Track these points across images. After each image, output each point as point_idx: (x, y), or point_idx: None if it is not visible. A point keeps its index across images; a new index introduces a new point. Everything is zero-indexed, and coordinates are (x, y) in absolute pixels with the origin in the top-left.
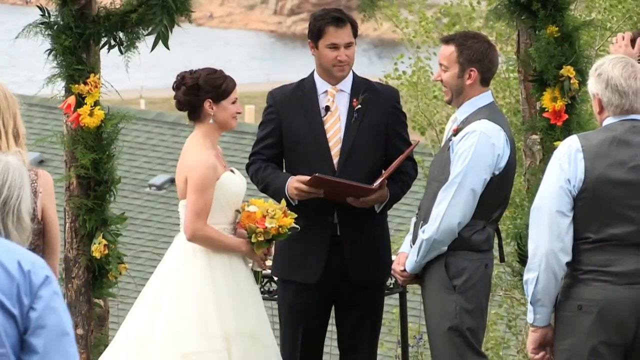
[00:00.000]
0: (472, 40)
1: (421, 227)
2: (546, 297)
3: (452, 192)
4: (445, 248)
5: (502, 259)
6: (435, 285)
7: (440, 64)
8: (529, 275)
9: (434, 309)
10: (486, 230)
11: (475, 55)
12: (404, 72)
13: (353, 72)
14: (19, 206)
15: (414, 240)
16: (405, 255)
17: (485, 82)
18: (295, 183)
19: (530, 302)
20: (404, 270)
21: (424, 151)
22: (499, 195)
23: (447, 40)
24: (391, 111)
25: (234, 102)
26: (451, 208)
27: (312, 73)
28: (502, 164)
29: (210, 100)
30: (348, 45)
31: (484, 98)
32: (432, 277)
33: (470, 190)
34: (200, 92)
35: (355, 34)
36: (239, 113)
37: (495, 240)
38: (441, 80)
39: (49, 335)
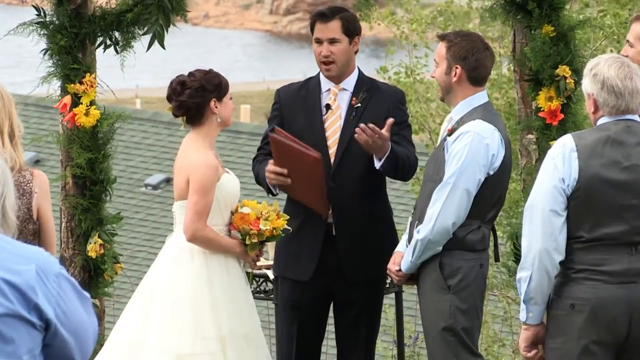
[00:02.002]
0: (462, 38)
1: (416, 227)
2: (539, 296)
3: (447, 192)
4: (440, 248)
5: (497, 259)
6: (430, 285)
7: (435, 60)
8: (522, 274)
9: (429, 309)
10: (481, 230)
11: (460, 52)
12: (403, 66)
13: (359, 69)
14: (3, 203)
15: (409, 240)
16: (401, 255)
17: (474, 81)
18: (269, 165)
19: (523, 301)
20: (399, 269)
21: (420, 151)
22: (493, 195)
23: (441, 37)
24: (393, 110)
25: (231, 98)
26: (445, 208)
27: (319, 72)
28: (497, 164)
29: (215, 99)
30: (333, 42)
31: (479, 98)
32: (426, 276)
33: (464, 190)
34: (205, 92)
35: (347, 32)
36: (233, 109)
37: (491, 240)
38: (435, 78)
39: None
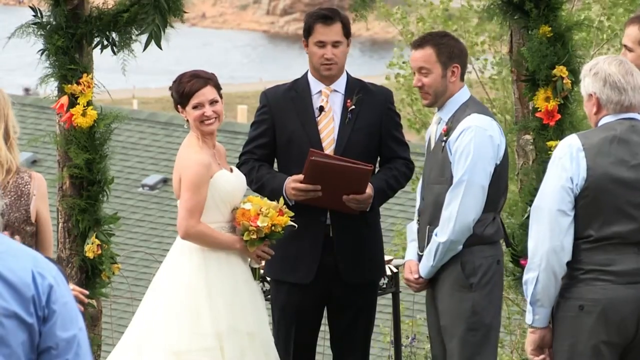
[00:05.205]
0: (446, 38)
1: (430, 231)
2: (545, 298)
3: (462, 190)
4: (461, 247)
5: (508, 244)
6: (450, 285)
7: (421, 69)
8: (529, 275)
9: (450, 309)
10: (496, 222)
11: (455, 51)
12: (404, 63)
13: (347, 72)
14: None
15: (421, 247)
16: (415, 263)
17: (462, 77)
18: (292, 183)
19: (530, 303)
20: (419, 277)
21: (416, 151)
22: (501, 184)
23: (421, 44)
24: (385, 112)
25: (195, 107)
26: (463, 206)
27: (306, 73)
28: (501, 153)
29: (179, 106)
30: (336, 44)
31: (464, 93)
32: (446, 277)
33: (479, 185)
34: (173, 99)
35: (346, 34)
36: (207, 117)
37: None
38: (421, 86)
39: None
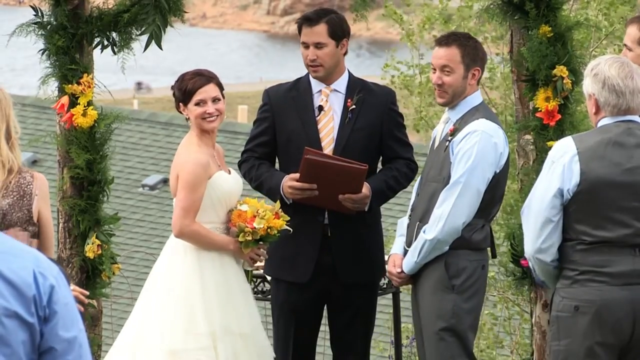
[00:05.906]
0: (472, 40)
1: (420, 228)
2: (546, 279)
3: (457, 191)
4: (447, 248)
5: (494, 255)
6: (432, 285)
7: (444, 67)
8: (529, 262)
9: (430, 309)
10: (485, 229)
11: (479, 54)
12: (403, 63)
13: (349, 72)
14: None
15: (408, 242)
16: (400, 257)
17: (479, 81)
18: (289, 182)
19: (536, 281)
20: (401, 271)
21: (419, 151)
22: (497, 193)
23: (447, 42)
24: (386, 112)
25: (197, 104)
26: (456, 208)
27: (308, 73)
28: (503, 161)
29: (181, 103)
30: (318, 45)
31: (476, 97)
32: (429, 276)
33: (475, 189)
34: (175, 97)
35: (334, 35)
36: (209, 114)
37: None
38: (441, 84)
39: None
